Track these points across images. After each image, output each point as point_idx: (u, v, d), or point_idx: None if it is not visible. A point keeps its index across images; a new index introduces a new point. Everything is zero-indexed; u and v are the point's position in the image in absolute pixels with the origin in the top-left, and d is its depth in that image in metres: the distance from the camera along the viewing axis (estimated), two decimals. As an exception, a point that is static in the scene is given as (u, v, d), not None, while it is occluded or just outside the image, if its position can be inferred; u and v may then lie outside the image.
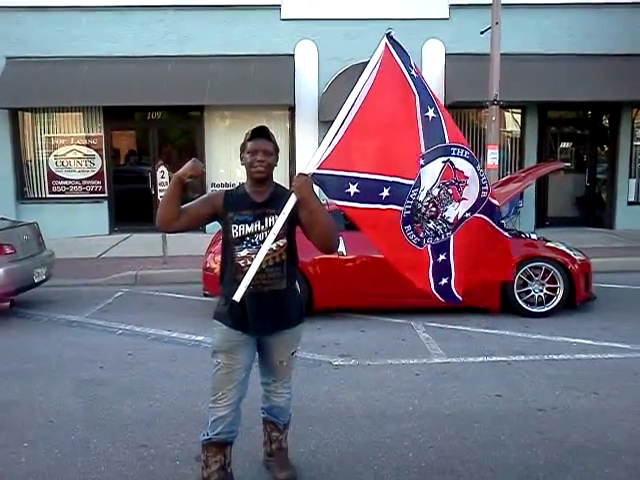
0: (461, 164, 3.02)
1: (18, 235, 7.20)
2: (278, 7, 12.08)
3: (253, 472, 3.38)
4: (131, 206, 12.64)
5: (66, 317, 6.89)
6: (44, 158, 12.66)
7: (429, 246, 3.08)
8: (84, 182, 12.67)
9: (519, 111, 12.75)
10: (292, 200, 2.76)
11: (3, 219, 7.70)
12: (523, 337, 5.86)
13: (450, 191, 3.02)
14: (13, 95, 11.79)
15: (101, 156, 12.63)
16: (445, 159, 2.97)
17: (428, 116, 2.92)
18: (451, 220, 3.07)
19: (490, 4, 9.83)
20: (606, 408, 4.22)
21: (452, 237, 3.11)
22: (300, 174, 2.77)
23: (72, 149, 12.65)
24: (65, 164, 12.65)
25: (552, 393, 4.49)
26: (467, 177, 3.03)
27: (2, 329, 6.54)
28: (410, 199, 2.93)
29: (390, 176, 2.88)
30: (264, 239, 2.81)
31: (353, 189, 2.83)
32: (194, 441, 3.69)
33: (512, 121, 13.00)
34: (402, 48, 2.94)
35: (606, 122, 13.20)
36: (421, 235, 3.04)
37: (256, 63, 11.84)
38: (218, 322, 2.97)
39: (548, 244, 6.94)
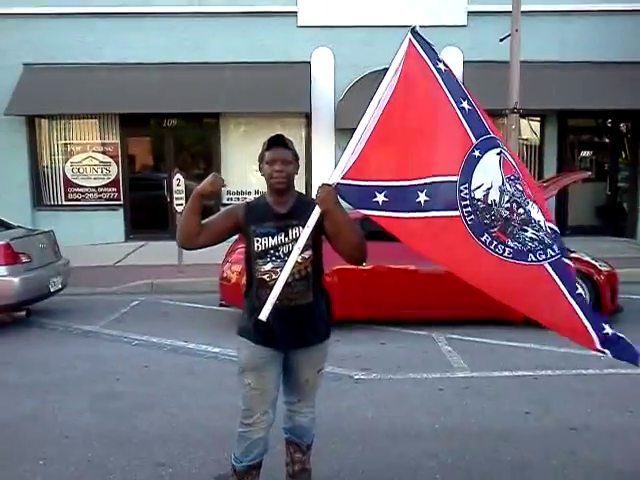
0: (511, 160, 2.67)
1: (34, 244, 7.16)
2: (295, 14, 12.02)
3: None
4: (147, 213, 12.61)
5: (82, 327, 6.82)
6: (60, 165, 12.67)
7: (546, 264, 2.54)
8: (100, 189, 12.66)
9: (538, 119, 12.58)
10: (316, 212, 2.63)
11: (19, 227, 7.66)
12: (549, 350, 5.69)
13: (519, 187, 2.61)
14: (30, 102, 11.81)
15: (117, 163, 12.62)
16: (498, 151, 2.64)
17: (464, 108, 2.65)
18: (544, 227, 2.57)
19: (509, 11, 9.69)
20: (641, 428, 4.05)
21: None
22: (324, 184, 2.63)
23: (88, 156, 12.66)
24: (81, 171, 12.65)
25: (583, 410, 4.33)
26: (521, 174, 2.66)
27: (19, 339, 6.47)
28: (464, 198, 2.54)
29: (424, 177, 2.57)
30: (289, 252, 2.68)
31: (381, 198, 2.59)
32: (213, 459, 3.60)
33: (529, 129, 12.82)
34: (428, 43, 2.74)
35: (626, 130, 12.98)
36: (511, 244, 2.52)
37: (272, 70, 11.78)
38: (243, 338, 2.85)
39: (572, 254, 6.76)
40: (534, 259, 2.54)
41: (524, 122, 12.40)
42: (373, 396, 4.68)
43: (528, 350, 5.74)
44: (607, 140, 13.13)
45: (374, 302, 6.51)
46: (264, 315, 2.64)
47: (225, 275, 6.57)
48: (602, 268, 6.66)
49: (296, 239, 2.68)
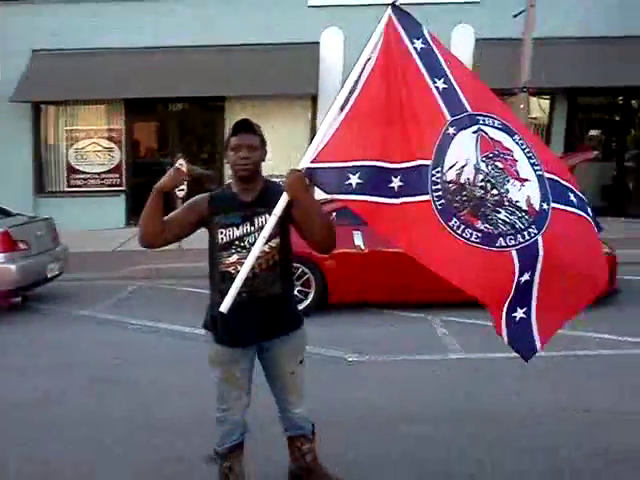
0: (496, 134, 2.50)
1: (33, 231, 7.20)
2: (305, -7, 11.78)
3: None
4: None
5: (78, 312, 6.85)
6: (64, 151, 12.69)
7: (514, 251, 2.41)
8: (102, 175, 12.67)
9: (547, 97, 12.31)
10: (284, 199, 2.48)
11: (19, 214, 7.69)
12: (545, 332, 5.62)
13: (499, 165, 2.46)
14: (36, 89, 11.79)
15: (120, 149, 12.62)
16: (475, 129, 2.48)
17: (438, 87, 2.51)
18: (524, 206, 2.44)
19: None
20: None
21: (540, 239, 2.42)
22: (292, 170, 2.51)
23: (92, 142, 12.66)
24: (84, 157, 12.66)
25: (578, 392, 4.26)
26: (510, 150, 2.49)
27: (15, 324, 6.51)
28: (435, 183, 2.42)
29: (401, 162, 2.44)
30: (255, 241, 2.53)
31: (355, 179, 2.41)
32: (206, 442, 3.57)
33: (538, 107, 12.59)
34: (409, 17, 2.60)
35: (638, 106, 12.72)
36: (479, 227, 2.40)
37: (280, 52, 11.59)
38: (209, 332, 2.78)
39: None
40: (503, 244, 2.41)
41: (533, 100, 12.16)
42: (366, 379, 4.65)
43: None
44: (617, 118, 12.87)
45: (371, 285, 6.46)
46: (225, 307, 2.50)
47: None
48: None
49: (262, 228, 2.54)
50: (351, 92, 2.55)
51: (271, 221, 2.50)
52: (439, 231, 2.42)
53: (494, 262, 2.41)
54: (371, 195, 2.45)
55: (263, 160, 2.71)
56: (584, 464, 3.31)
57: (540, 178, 2.49)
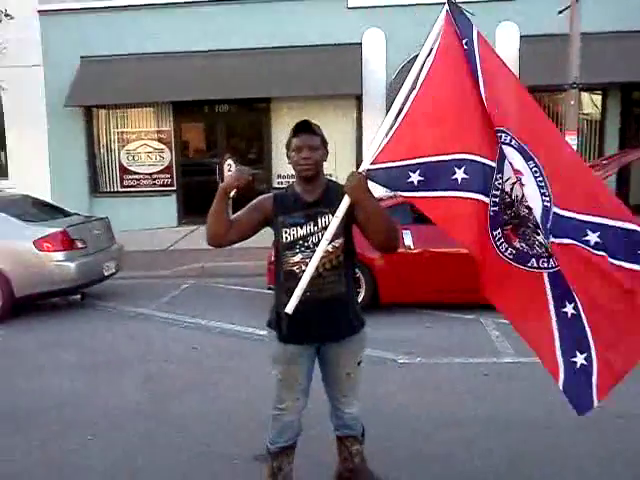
0: (511, 154, 2.35)
1: (89, 230, 7.42)
2: (345, -6, 11.87)
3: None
4: (199, 198, 12.77)
5: (134, 309, 7.04)
6: (116, 153, 13.06)
7: (545, 273, 2.33)
8: (154, 176, 12.98)
9: (599, 92, 12.02)
10: (345, 202, 2.51)
11: (76, 214, 7.94)
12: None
13: (545, 185, 2.34)
14: (88, 93, 12.19)
15: (170, 150, 12.89)
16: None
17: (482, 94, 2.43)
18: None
19: (567, -19, 9.30)
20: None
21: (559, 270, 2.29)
22: (353, 173, 2.53)
23: (143, 144, 12.98)
24: (136, 158, 13.00)
25: (633, 399, 4.16)
26: (522, 174, 2.34)
27: (73, 321, 6.74)
28: (497, 188, 2.33)
29: (463, 153, 2.37)
30: (318, 241, 2.58)
31: (416, 177, 2.39)
32: (256, 439, 3.62)
33: (590, 103, 12.28)
34: (463, 15, 2.54)
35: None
36: (516, 245, 2.35)
37: (322, 53, 11.71)
38: (272, 331, 2.81)
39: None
40: (535, 265, 2.38)
41: (585, 96, 11.88)
42: (416, 381, 4.64)
43: (580, 335, 5.56)
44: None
45: (422, 286, 6.43)
46: (290, 308, 2.55)
47: (273, 259, 6.60)
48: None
49: (326, 228, 2.57)
50: (411, 91, 2.53)
51: (334, 223, 2.53)
52: (486, 235, 2.39)
53: (524, 280, 2.38)
54: (433, 190, 2.42)
55: (324, 160, 2.74)
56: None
57: (547, 210, 2.32)
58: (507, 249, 2.41)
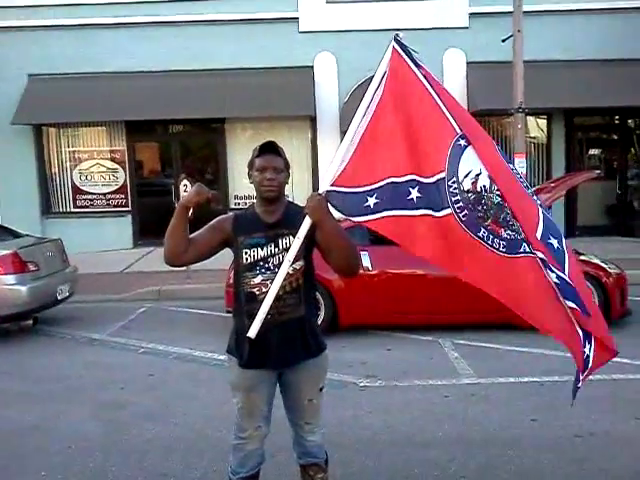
0: (468, 154, 2.50)
1: (42, 252, 7.21)
2: (296, 20, 12.10)
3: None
4: (155, 219, 12.59)
5: (89, 335, 6.85)
6: (68, 173, 12.77)
7: (538, 255, 2.45)
8: (108, 196, 12.74)
9: (544, 117, 12.51)
10: (307, 223, 2.53)
11: (28, 236, 7.71)
12: (556, 355, 5.61)
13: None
14: (37, 111, 11.91)
15: (124, 169, 12.70)
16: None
17: (443, 106, 2.55)
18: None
19: (511, 12, 9.69)
20: (648, 434, 4.00)
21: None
22: (313, 194, 2.55)
23: (96, 163, 12.74)
24: (89, 178, 12.73)
25: (589, 417, 4.27)
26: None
27: (25, 348, 6.51)
28: (454, 194, 2.43)
29: (413, 174, 2.46)
30: (279, 263, 2.57)
31: (372, 201, 2.46)
32: (215, 469, 3.59)
33: (536, 127, 12.76)
34: (409, 50, 2.64)
35: (634, 126, 12.88)
36: (504, 235, 2.42)
37: (275, 75, 11.83)
38: (233, 357, 2.76)
39: (581, 257, 6.70)
40: (527, 249, 2.45)
41: (531, 120, 12.33)
42: (378, 403, 4.65)
43: (535, 356, 5.68)
44: (615, 137, 13.02)
45: (381, 307, 6.48)
46: (253, 332, 2.53)
47: (231, 281, 6.54)
48: (611, 270, 6.59)
49: (287, 249, 2.57)
50: (363, 118, 2.58)
51: (295, 244, 2.54)
52: (471, 239, 2.43)
53: (523, 265, 2.43)
54: (389, 210, 2.48)
55: (287, 183, 2.74)
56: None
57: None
58: (499, 244, 2.43)
